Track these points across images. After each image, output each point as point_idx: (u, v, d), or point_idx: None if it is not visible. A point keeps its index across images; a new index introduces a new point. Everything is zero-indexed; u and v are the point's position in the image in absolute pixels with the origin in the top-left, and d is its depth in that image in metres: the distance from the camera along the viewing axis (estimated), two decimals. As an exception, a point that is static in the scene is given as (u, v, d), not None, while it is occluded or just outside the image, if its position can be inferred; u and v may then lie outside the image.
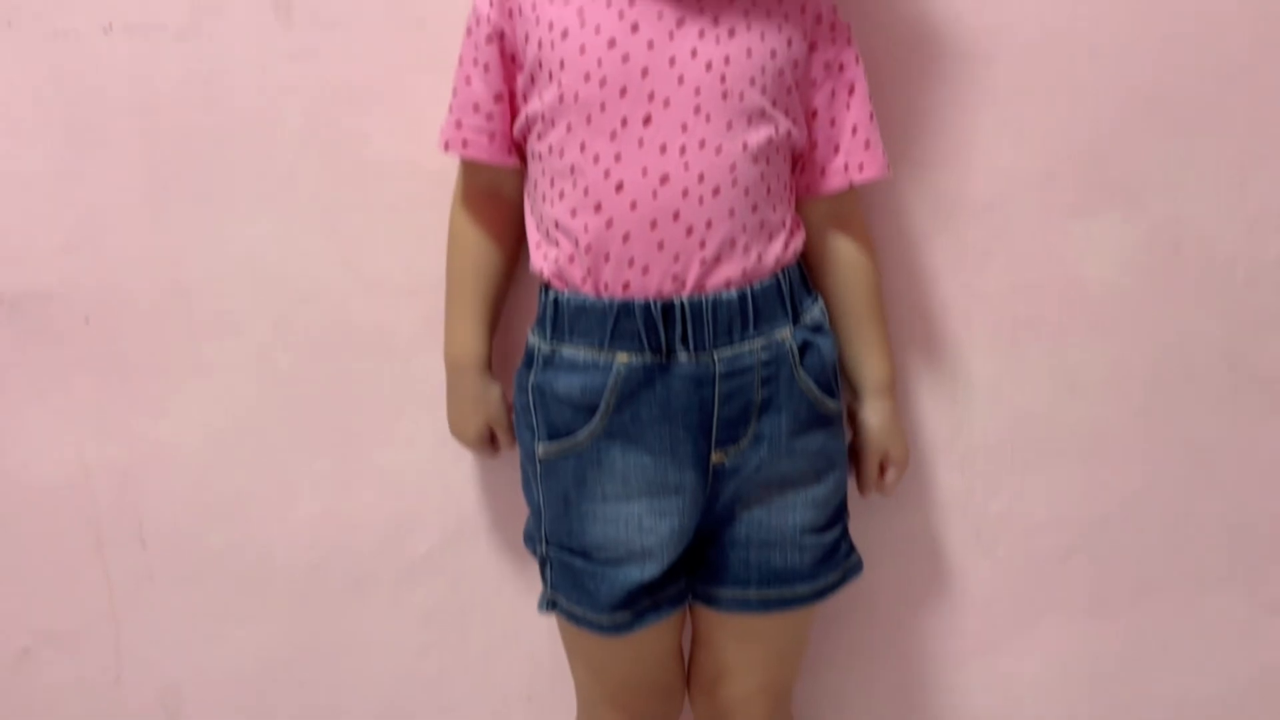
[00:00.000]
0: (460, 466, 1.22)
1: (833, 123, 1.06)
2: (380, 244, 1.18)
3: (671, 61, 0.98)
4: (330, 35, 1.14)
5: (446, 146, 1.04)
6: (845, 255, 1.10)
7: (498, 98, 1.03)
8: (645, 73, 0.98)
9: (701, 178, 0.98)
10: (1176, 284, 1.20)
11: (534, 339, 1.06)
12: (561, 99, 0.99)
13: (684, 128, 0.98)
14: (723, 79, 0.98)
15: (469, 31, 1.04)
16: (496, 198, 1.09)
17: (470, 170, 1.09)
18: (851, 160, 1.06)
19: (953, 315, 1.21)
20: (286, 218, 1.18)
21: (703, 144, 0.98)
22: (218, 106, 1.15)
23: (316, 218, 1.18)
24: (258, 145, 1.16)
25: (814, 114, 1.05)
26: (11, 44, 1.13)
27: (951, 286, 1.20)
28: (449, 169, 1.11)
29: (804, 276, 1.08)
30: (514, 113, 1.04)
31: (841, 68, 1.05)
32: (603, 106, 0.98)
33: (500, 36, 1.02)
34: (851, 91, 1.06)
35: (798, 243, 1.05)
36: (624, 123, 0.97)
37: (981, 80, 1.15)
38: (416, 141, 1.13)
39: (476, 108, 1.04)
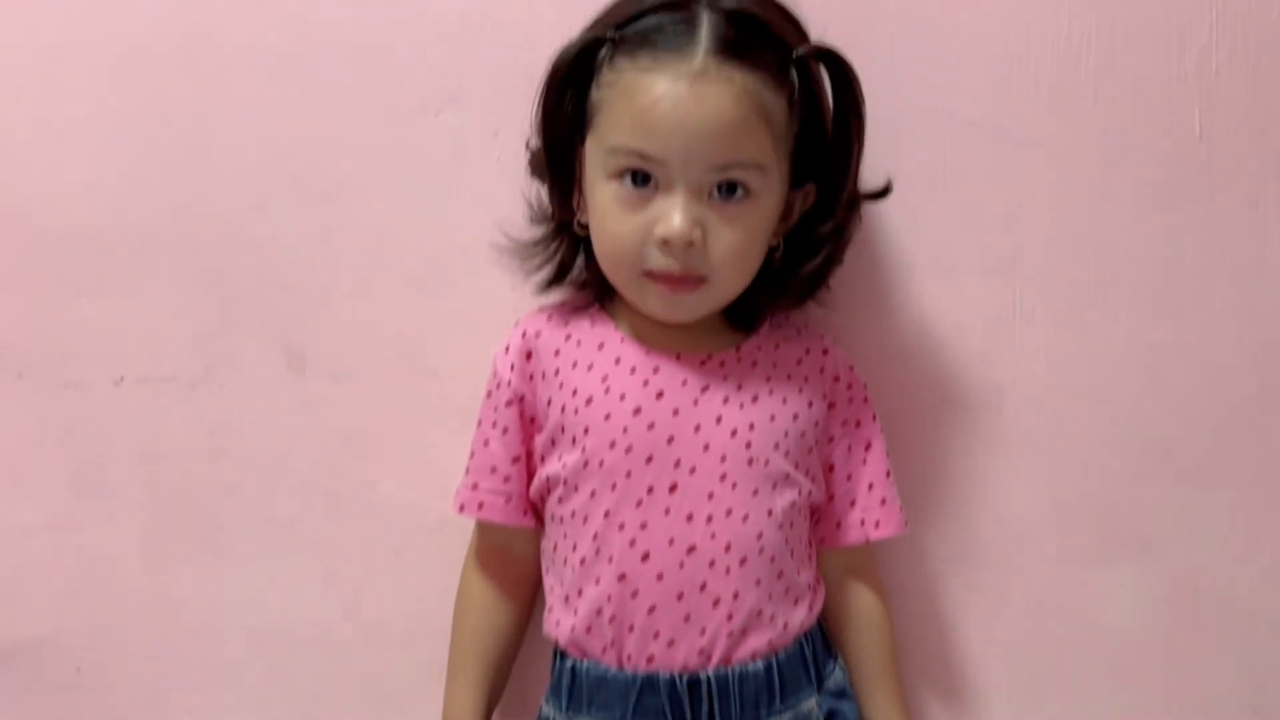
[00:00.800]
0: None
1: (849, 478, 1.05)
2: (382, 591, 1.15)
3: (697, 429, 0.98)
4: (342, 385, 1.14)
5: (462, 509, 1.03)
6: (862, 610, 1.08)
7: (515, 460, 1.03)
8: (671, 440, 0.97)
9: (729, 547, 0.96)
10: (1197, 635, 1.18)
11: (547, 709, 1.01)
12: (586, 465, 0.98)
13: (710, 496, 0.97)
14: (748, 445, 0.98)
15: (489, 394, 1.04)
16: (509, 556, 1.07)
17: (484, 529, 1.07)
18: (868, 516, 1.05)
19: (971, 664, 1.17)
20: (287, 566, 1.15)
21: (729, 512, 0.96)
22: (224, 457, 1.14)
23: (318, 566, 1.15)
24: (262, 494, 1.14)
25: (831, 468, 1.05)
26: (21, 395, 1.13)
27: (968, 635, 1.17)
28: (453, 515, 1.08)
29: (824, 637, 1.05)
30: (531, 473, 1.03)
31: (858, 424, 1.06)
32: (629, 474, 0.97)
33: (520, 400, 1.02)
34: (868, 448, 1.06)
35: (819, 603, 1.03)
36: (650, 490, 0.96)
37: (991, 430, 1.15)
38: (423, 488, 1.12)
39: (494, 470, 1.03)
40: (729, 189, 0.94)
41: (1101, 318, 1.15)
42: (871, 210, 1.09)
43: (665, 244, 0.93)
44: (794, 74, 0.95)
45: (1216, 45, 1.13)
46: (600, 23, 0.97)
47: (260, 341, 1.13)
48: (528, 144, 1.03)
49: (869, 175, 1.05)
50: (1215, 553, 1.18)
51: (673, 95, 0.90)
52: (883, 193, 1.04)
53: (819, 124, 0.98)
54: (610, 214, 0.95)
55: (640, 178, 0.94)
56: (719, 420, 0.98)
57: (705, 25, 0.92)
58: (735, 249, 0.95)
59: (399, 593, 1.15)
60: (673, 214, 0.93)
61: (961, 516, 1.16)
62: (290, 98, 1.12)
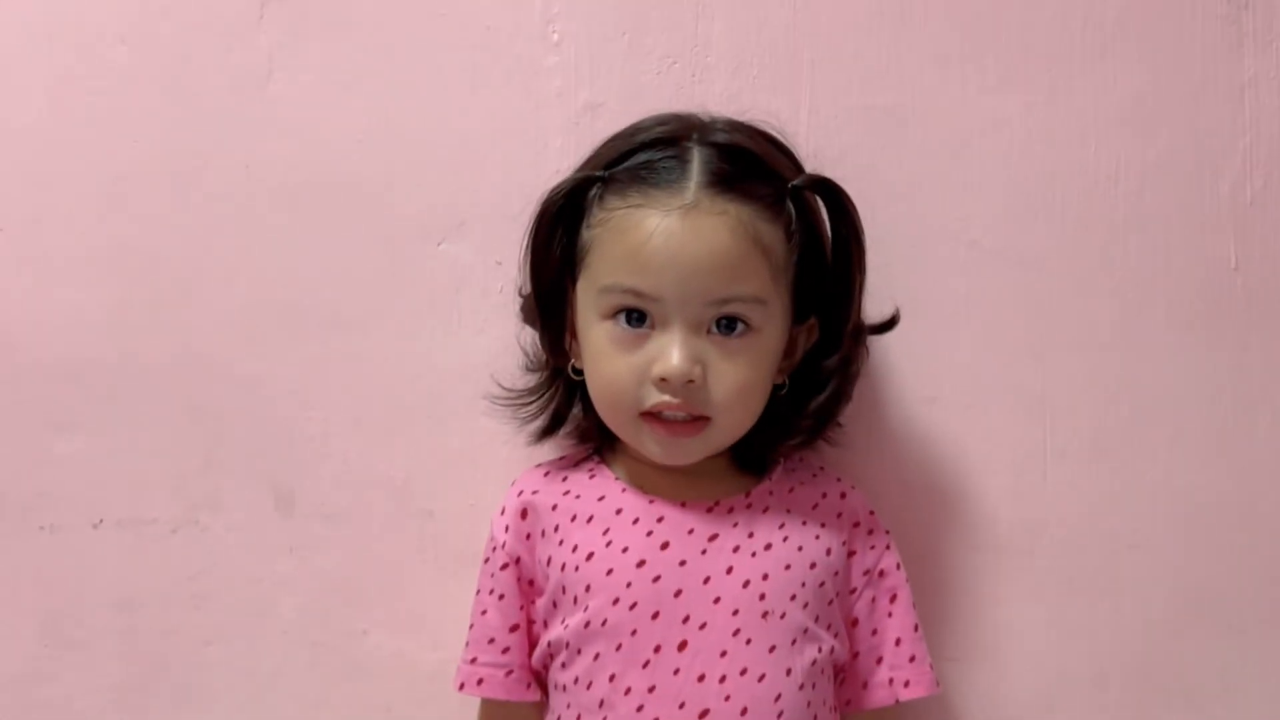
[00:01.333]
0: None
1: (874, 632, 0.99)
2: (369, 748, 1.08)
3: (706, 580, 0.92)
4: (332, 527, 1.08)
5: (462, 687, 0.97)
6: None
7: (513, 628, 0.97)
8: (679, 594, 0.91)
9: (744, 711, 0.89)
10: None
11: None
12: (588, 625, 0.91)
13: (723, 654, 0.90)
14: (762, 597, 0.92)
15: (485, 560, 0.99)
16: None
17: (488, 708, 1.00)
18: (896, 675, 0.98)
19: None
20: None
21: (744, 672, 0.90)
22: (205, 604, 1.08)
23: (302, 720, 1.08)
24: (245, 644, 1.08)
25: (854, 622, 0.99)
26: (-7, 538, 1.07)
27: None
28: (447, 666, 1.02)
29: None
30: (533, 641, 0.97)
31: (882, 574, 0.99)
32: (634, 633, 0.90)
33: (516, 562, 0.97)
34: (894, 599, 0.99)
35: (845, 771, 0.96)
36: (657, 650, 0.90)
37: (1023, 575, 1.09)
38: (416, 638, 1.07)
39: (492, 641, 0.97)
40: (729, 324, 0.90)
41: (1136, 456, 1.10)
42: (892, 342, 1.05)
43: (664, 383, 0.89)
44: (790, 205, 0.92)
45: (1251, 173, 1.09)
46: (590, 163, 0.94)
47: (247, 481, 1.08)
48: (519, 290, 1.00)
49: (887, 305, 1.01)
50: (1261, 708, 1.10)
51: (665, 229, 0.87)
52: (889, 324, 1.00)
53: (819, 255, 0.95)
54: (605, 355, 0.91)
55: (635, 316, 0.90)
56: (730, 571, 0.92)
57: (697, 160, 0.89)
58: (738, 386, 0.91)
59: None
60: (671, 351, 0.88)
61: (993, 668, 1.09)
62: (284, 227, 1.08)
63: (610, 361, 0.91)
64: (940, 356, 1.09)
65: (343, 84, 1.08)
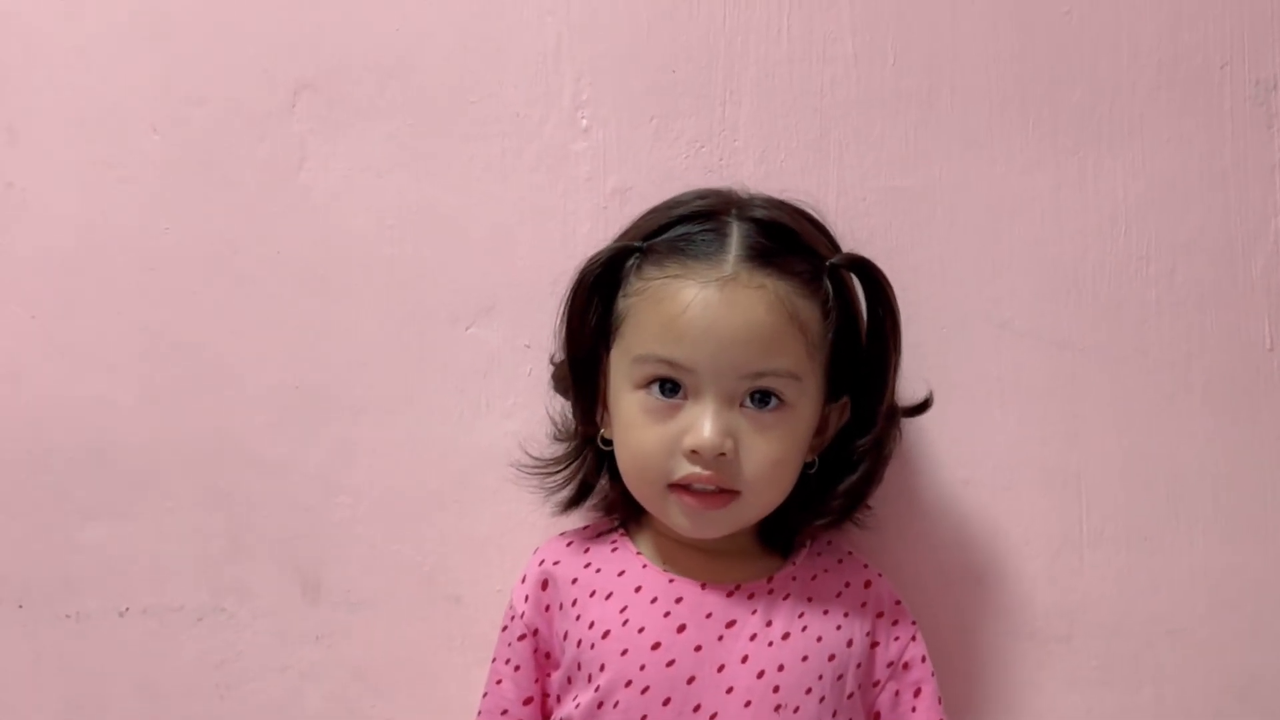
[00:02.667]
0: None
1: None
2: None
3: (720, 669, 0.90)
4: (359, 614, 1.07)
5: None
6: None
7: (527, 701, 0.95)
8: (692, 681, 0.89)
9: None
10: None
11: None
12: (600, 706, 0.90)
13: None
14: (776, 689, 0.90)
15: (504, 628, 0.98)
16: None
17: None
18: None
19: None
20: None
21: None
22: (230, 693, 1.07)
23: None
24: (270, 734, 1.06)
25: (876, 716, 0.96)
26: (20, 624, 1.07)
27: None
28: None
29: None
30: (546, 715, 0.96)
31: (906, 666, 0.97)
32: (644, 718, 0.88)
33: (534, 634, 0.96)
34: (918, 694, 0.96)
35: None
36: None
37: (1060, 663, 1.07)
38: (442, 724, 1.04)
39: (505, 713, 0.95)
40: (762, 398, 0.89)
41: (1174, 539, 1.08)
42: (925, 423, 1.04)
43: (695, 455, 0.88)
44: (827, 283, 0.92)
45: (1284, 252, 1.08)
46: (628, 234, 0.95)
47: (273, 568, 1.07)
48: (552, 358, 1.00)
49: (917, 387, 1.00)
50: (1308, 799, 1.07)
51: (702, 300, 0.87)
52: (923, 406, 1.00)
53: (854, 334, 0.94)
54: (636, 424, 0.90)
55: (669, 387, 0.89)
56: (745, 660, 0.90)
57: (736, 234, 0.89)
58: (770, 461, 0.89)
59: None
60: (703, 423, 0.87)
61: (1029, 753, 1.06)
62: (314, 311, 1.08)
63: (641, 431, 0.90)
64: (974, 438, 1.07)
65: (374, 171, 1.09)
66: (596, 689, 0.90)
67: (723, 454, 0.88)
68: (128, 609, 1.06)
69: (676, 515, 0.91)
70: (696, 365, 0.88)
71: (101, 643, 1.06)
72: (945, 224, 1.08)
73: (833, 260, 0.92)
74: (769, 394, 0.89)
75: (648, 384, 0.90)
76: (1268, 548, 1.08)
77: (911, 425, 1.03)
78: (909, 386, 1.00)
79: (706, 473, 0.89)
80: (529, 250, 1.08)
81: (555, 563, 0.97)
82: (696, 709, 0.89)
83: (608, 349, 0.94)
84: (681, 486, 0.90)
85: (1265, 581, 1.08)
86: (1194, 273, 1.08)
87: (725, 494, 0.90)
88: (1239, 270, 1.09)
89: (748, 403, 0.89)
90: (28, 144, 1.09)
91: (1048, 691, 1.07)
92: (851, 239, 1.01)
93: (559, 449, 1.02)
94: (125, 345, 1.08)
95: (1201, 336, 1.08)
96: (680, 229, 0.92)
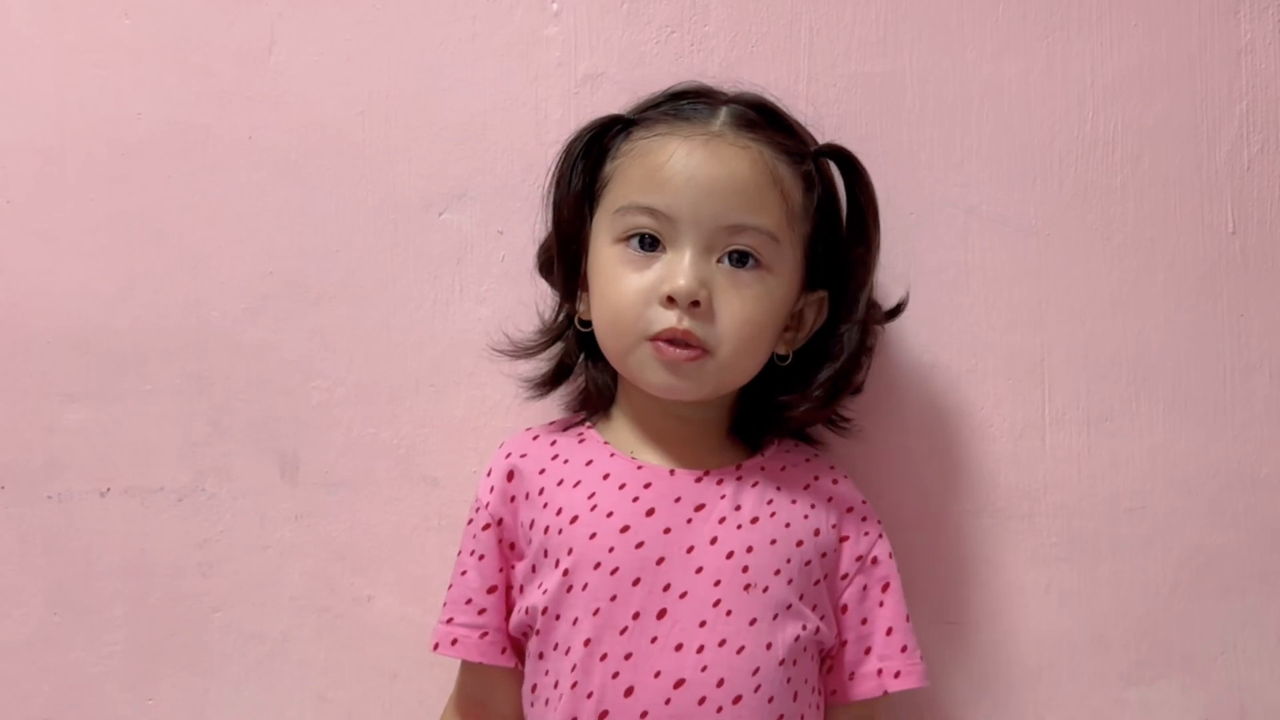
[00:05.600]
0: None
1: (864, 621, 0.97)
2: (376, 717, 1.09)
3: (689, 550, 0.91)
4: (337, 495, 1.09)
5: (436, 647, 0.96)
6: None
7: (491, 590, 0.96)
8: (661, 561, 0.90)
9: (721, 683, 0.88)
10: (1247, 759, 1.10)
11: None
12: (570, 590, 0.91)
13: (702, 624, 0.89)
14: (745, 569, 0.91)
15: (469, 520, 0.98)
16: (487, 710, 0.99)
17: (464, 676, 1.00)
18: (886, 666, 0.96)
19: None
20: (276, 688, 1.09)
21: (723, 643, 0.89)
22: (212, 571, 1.09)
23: (308, 688, 1.09)
24: (251, 611, 1.09)
25: (844, 609, 0.97)
26: (4, 506, 1.08)
27: (1001, 762, 1.10)
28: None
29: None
30: (511, 605, 0.96)
31: (875, 561, 0.98)
32: (614, 598, 0.90)
33: (499, 523, 0.96)
34: (885, 588, 0.97)
35: (824, 760, 0.95)
36: (635, 617, 0.89)
37: (1022, 541, 1.10)
38: (421, 604, 1.07)
39: (469, 602, 0.96)
40: (740, 258, 0.90)
41: (1135, 420, 1.10)
42: (891, 306, 1.05)
43: (670, 302, 0.89)
44: (811, 165, 0.93)
45: (1248, 138, 1.09)
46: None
47: (252, 449, 1.09)
48: (538, 240, 1.01)
49: (888, 274, 1.02)
50: (1261, 669, 1.11)
51: (686, 150, 0.89)
52: (897, 310, 1.01)
53: (834, 224, 0.95)
54: (614, 276, 0.91)
55: (648, 241, 0.91)
56: (714, 541, 0.91)
57: (725, 108, 0.92)
58: (743, 319, 0.90)
59: (391, 717, 1.09)
60: (679, 269, 0.89)
61: (992, 632, 1.10)
62: (288, 198, 1.09)
63: (619, 282, 0.91)
64: (940, 322, 1.09)
65: (344, 55, 1.09)
66: (565, 572, 0.91)
67: (696, 303, 0.88)
68: (109, 489, 1.08)
69: (650, 371, 0.91)
70: (676, 213, 0.89)
71: (84, 523, 1.08)
72: (914, 110, 1.09)
73: (817, 148, 0.94)
74: (746, 254, 0.91)
75: (628, 238, 0.91)
76: (1225, 428, 1.10)
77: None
78: (879, 273, 1.01)
79: (681, 327, 0.89)
80: (500, 136, 1.08)
81: (522, 455, 0.98)
82: (666, 589, 0.90)
83: (592, 215, 0.95)
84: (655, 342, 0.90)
85: (1222, 461, 1.10)
86: (1159, 158, 1.09)
87: (697, 349, 0.90)
88: (1204, 155, 1.10)
89: (726, 260, 0.90)
90: (-2, 31, 1.09)
91: (1010, 567, 1.10)
92: (821, 125, 1.02)
93: (537, 334, 1.03)
94: (101, 232, 1.09)
95: (1165, 220, 1.10)
96: (672, 103, 0.94)
